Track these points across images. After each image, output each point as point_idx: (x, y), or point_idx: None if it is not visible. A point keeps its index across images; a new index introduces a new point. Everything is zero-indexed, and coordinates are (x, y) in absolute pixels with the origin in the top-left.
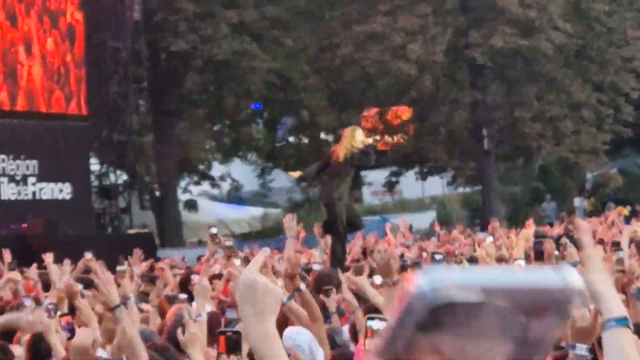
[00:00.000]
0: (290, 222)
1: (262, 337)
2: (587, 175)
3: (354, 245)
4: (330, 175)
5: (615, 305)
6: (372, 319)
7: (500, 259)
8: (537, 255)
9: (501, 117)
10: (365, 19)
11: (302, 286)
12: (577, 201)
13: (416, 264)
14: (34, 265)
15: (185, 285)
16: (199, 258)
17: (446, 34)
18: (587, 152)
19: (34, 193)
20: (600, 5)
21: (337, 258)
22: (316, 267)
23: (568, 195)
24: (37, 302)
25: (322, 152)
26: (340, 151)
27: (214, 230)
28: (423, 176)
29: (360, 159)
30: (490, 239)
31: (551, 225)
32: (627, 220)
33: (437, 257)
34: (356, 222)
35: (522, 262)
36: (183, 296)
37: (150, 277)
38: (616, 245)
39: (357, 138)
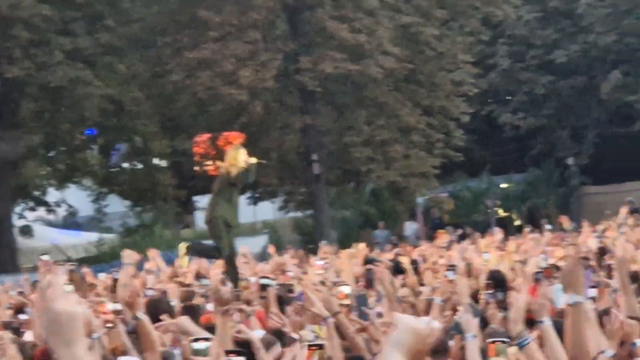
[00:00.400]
0: (128, 251)
1: None
2: (418, 199)
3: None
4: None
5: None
6: (197, 340)
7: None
8: (368, 282)
9: (331, 142)
10: (196, 45)
11: (140, 314)
12: (408, 226)
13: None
14: None
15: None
16: (34, 283)
17: (276, 60)
18: (417, 175)
19: None
20: (430, 30)
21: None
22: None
23: (398, 219)
24: None
25: (154, 178)
26: (230, 169)
27: (45, 257)
28: (254, 201)
29: (241, 177)
30: (320, 262)
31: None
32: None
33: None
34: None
35: (347, 288)
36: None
37: None
38: (452, 268)
39: (241, 157)
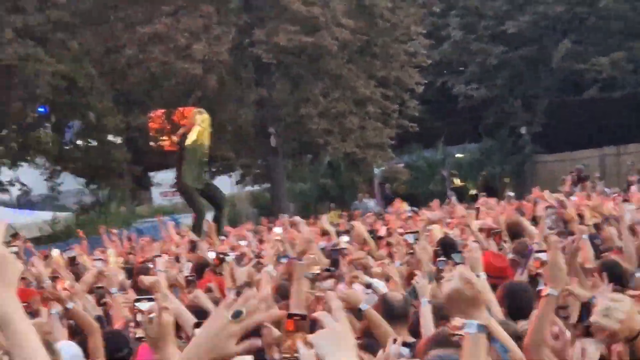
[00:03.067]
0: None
1: (8, 305)
2: (375, 170)
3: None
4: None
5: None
6: (139, 300)
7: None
8: (333, 263)
9: (287, 115)
10: (149, 20)
11: (69, 304)
12: (367, 202)
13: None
14: None
15: None
16: None
17: (230, 33)
18: (374, 147)
19: None
20: (384, 2)
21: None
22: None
23: (356, 190)
24: None
25: (109, 154)
26: (202, 135)
27: (13, 249)
28: (211, 175)
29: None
30: (278, 230)
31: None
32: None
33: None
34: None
35: None
36: None
37: None
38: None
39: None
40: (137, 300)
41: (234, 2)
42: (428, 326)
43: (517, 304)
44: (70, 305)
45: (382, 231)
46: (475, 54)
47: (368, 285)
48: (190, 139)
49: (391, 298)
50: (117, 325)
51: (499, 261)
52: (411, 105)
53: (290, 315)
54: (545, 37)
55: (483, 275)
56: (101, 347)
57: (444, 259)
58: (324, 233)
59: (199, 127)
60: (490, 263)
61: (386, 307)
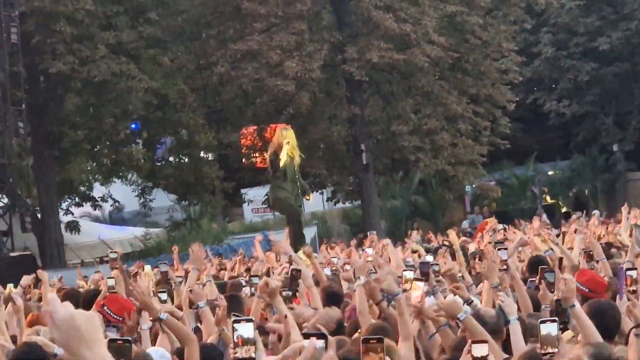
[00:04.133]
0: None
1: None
2: (466, 187)
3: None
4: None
5: None
6: (238, 322)
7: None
8: (423, 275)
9: (379, 131)
10: (241, 37)
11: (163, 315)
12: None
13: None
14: None
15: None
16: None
17: (322, 50)
18: (465, 164)
19: None
20: (475, 19)
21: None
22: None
23: (447, 207)
24: None
25: (201, 171)
26: (294, 154)
27: (113, 255)
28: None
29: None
30: (370, 251)
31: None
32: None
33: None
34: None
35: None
36: None
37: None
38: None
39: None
40: (236, 322)
41: (327, 20)
42: (519, 344)
43: (604, 324)
44: (163, 316)
45: (472, 248)
46: (567, 70)
47: (468, 301)
48: (282, 159)
49: (484, 313)
50: (210, 339)
51: (599, 279)
52: (502, 122)
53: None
54: (638, 54)
55: (577, 305)
56: (197, 358)
57: (534, 279)
58: (415, 251)
59: (287, 145)
60: (594, 279)
61: (480, 323)
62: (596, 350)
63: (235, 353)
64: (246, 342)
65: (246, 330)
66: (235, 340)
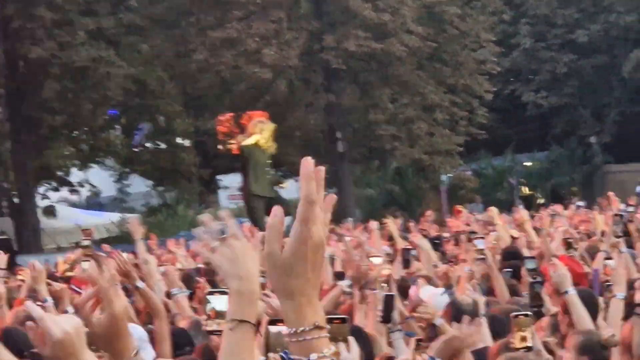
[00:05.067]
0: (135, 226)
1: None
2: (442, 177)
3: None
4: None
5: None
6: (212, 293)
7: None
8: (405, 263)
9: (355, 120)
10: (220, 25)
11: (140, 283)
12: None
13: None
14: None
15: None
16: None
17: (300, 38)
18: (442, 153)
19: None
20: (454, 9)
21: None
22: None
23: (423, 197)
24: None
25: (178, 157)
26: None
27: (85, 243)
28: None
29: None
30: (347, 239)
31: None
32: None
33: None
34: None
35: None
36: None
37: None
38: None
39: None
40: (210, 293)
41: (305, 8)
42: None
43: None
44: (140, 284)
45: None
46: (545, 62)
47: (448, 288)
48: (245, 142)
49: (460, 301)
50: (182, 324)
51: (577, 267)
52: (480, 112)
53: (329, 320)
54: (616, 47)
55: (572, 291)
56: (167, 333)
57: (510, 269)
58: (390, 239)
59: (258, 135)
60: (571, 269)
61: (455, 311)
62: (586, 337)
63: (207, 326)
64: (219, 314)
65: (220, 302)
66: (209, 313)
